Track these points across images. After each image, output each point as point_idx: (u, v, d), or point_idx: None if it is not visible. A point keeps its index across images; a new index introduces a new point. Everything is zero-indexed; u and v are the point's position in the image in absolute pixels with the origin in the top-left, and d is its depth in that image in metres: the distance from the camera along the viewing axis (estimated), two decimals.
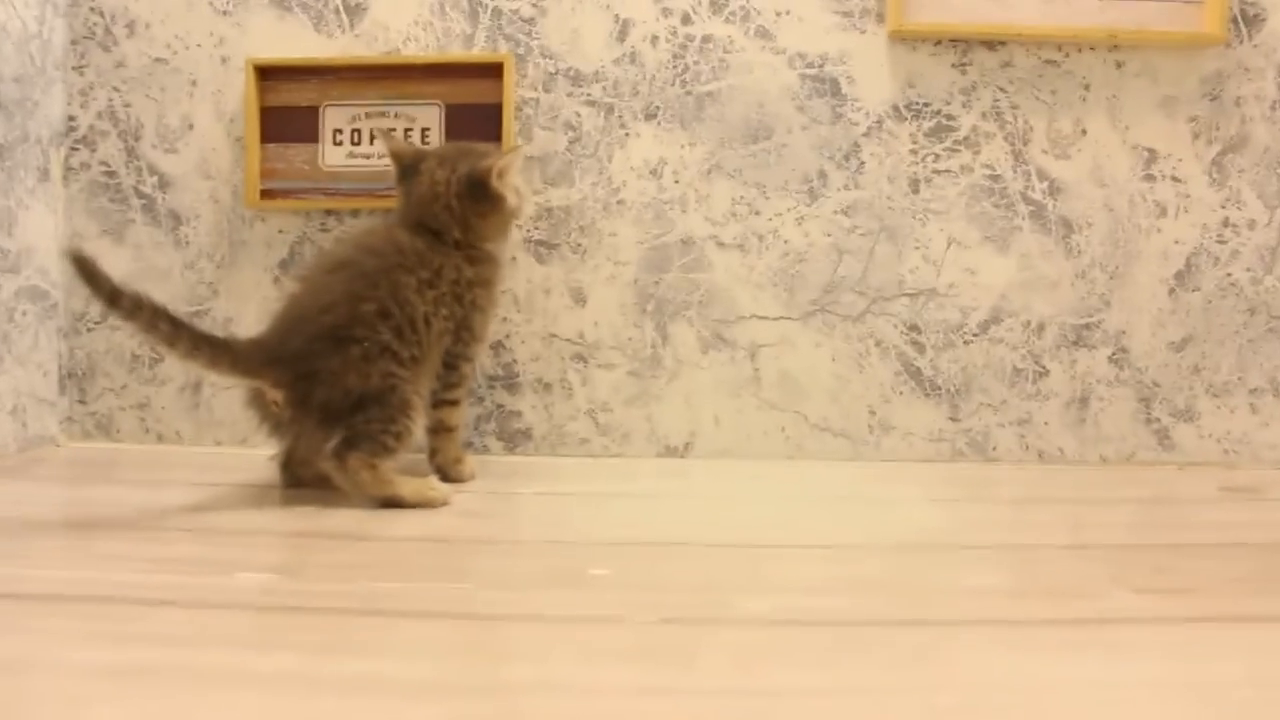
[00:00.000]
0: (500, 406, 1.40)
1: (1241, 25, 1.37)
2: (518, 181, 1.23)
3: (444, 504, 1.09)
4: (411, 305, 1.12)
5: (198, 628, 0.68)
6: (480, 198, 1.19)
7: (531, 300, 1.39)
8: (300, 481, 1.17)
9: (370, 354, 1.08)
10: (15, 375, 1.34)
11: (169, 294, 1.41)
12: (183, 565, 0.83)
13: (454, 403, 1.23)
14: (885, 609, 0.75)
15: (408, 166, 1.22)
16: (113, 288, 1.00)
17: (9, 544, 0.90)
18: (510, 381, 1.40)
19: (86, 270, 0.99)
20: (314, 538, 0.94)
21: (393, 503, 1.06)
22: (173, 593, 0.75)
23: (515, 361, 1.40)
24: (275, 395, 1.08)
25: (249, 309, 1.41)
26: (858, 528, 1.03)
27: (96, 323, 1.43)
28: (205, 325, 1.41)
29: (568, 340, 1.39)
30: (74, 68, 1.42)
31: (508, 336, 1.39)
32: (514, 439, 1.40)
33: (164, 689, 0.57)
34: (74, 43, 1.42)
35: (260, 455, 1.25)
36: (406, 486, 1.08)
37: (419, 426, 1.13)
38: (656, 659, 0.64)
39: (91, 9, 1.42)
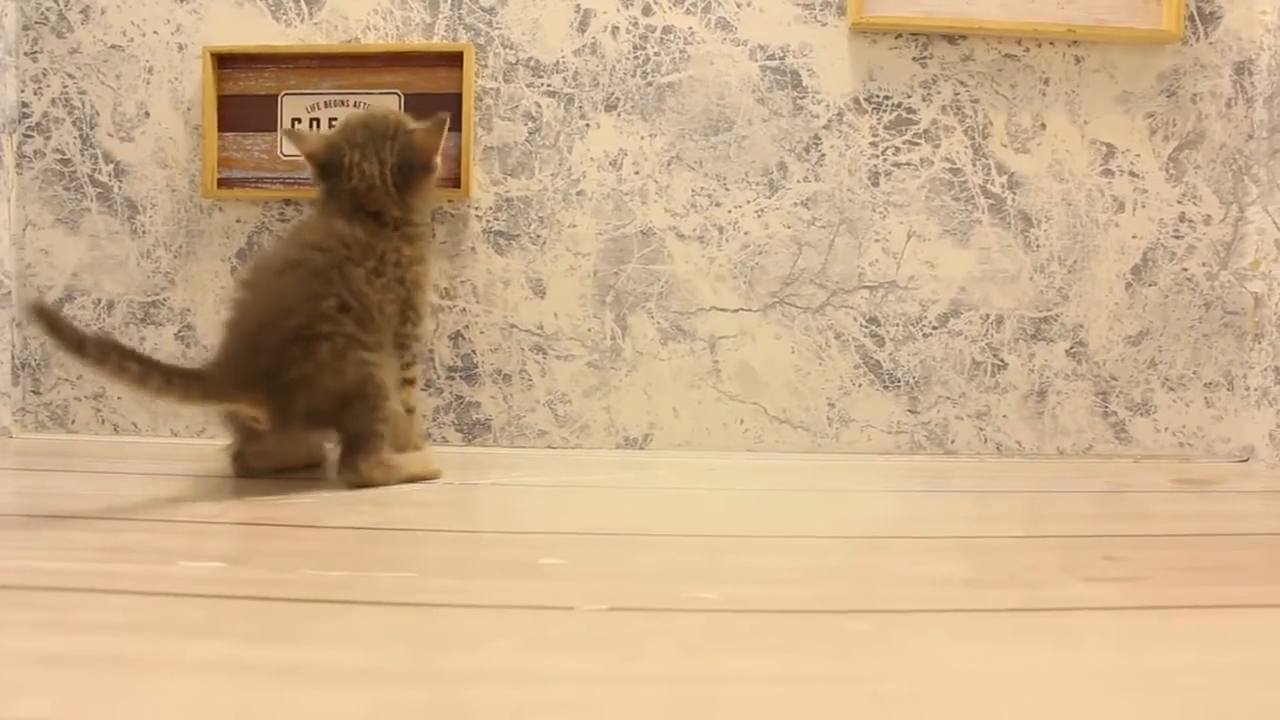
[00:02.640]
0: (459, 398, 1.39)
1: (1198, 23, 1.38)
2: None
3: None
4: (365, 296, 1.12)
5: (138, 616, 0.67)
6: (415, 176, 1.20)
7: (491, 291, 1.39)
8: (253, 472, 1.16)
9: (340, 349, 1.08)
10: None
11: (125, 283, 1.40)
12: (129, 554, 0.82)
13: (411, 381, 1.24)
14: (838, 598, 0.75)
15: (325, 164, 1.20)
16: (79, 336, 0.97)
17: None
18: (469, 373, 1.39)
19: (50, 322, 0.96)
20: (265, 526, 0.93)
21: (408, 481, 1.13)
22: (116, 581, 0.74)
23: (474, 353, 1.39)
24: (254, 414, 1.08)
25: (206, 298, 1.40)
26: (815, 519, 1.03)
27: None
28: (162, 315, 1.40)
29: (527, 331, 1.39)
30: (27, 53, 1.40)
31: (467, 327, 1.39)
32: (473, 430, 1.40)
33: (96, 677, 0.56)
34: (26, 28, 1.40)
35: (216, 445, 1.23)
36: (414, 465, 1.15)
37: (397, 404, 1.16)
38: (603, 647, 0.63)
39: None
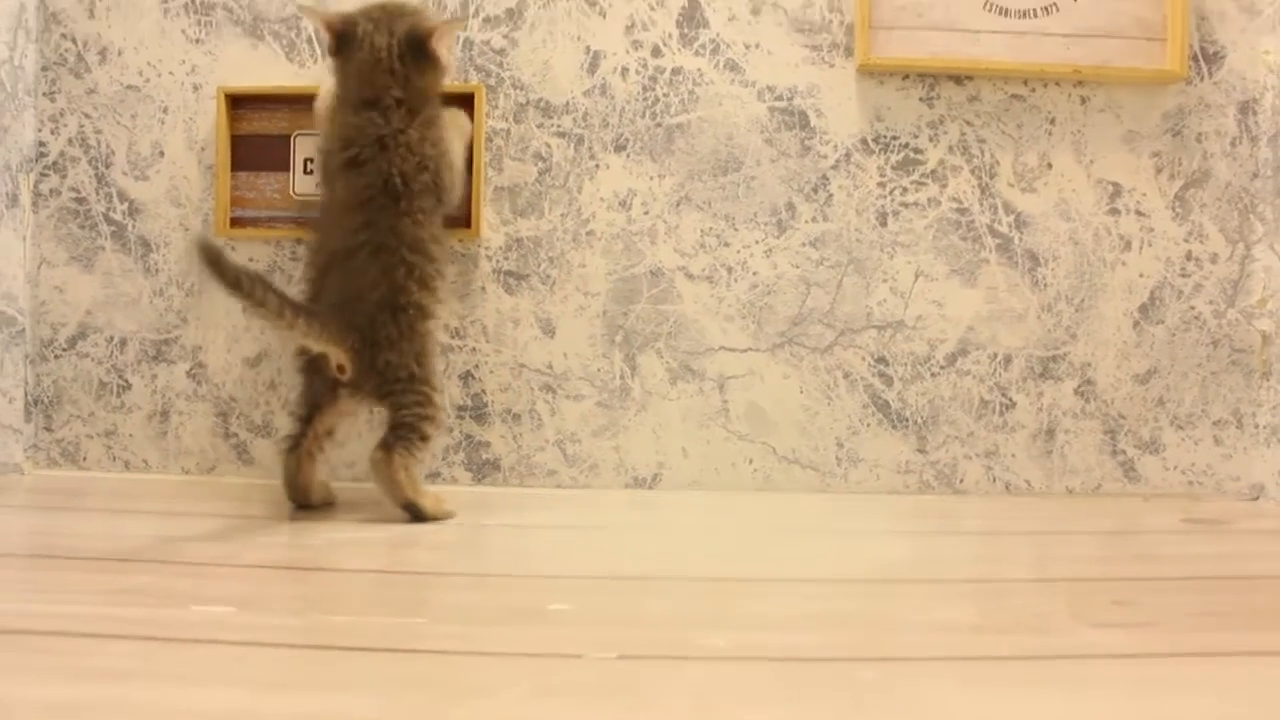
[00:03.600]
0: (469, 437, 1.40)
1: (1202, 63, 1.39)
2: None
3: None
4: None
5: (148, 662, 0.67)
6: (422, 60, 1.21)
7: (500, 331, 1.39)
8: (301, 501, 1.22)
9: (414, 320, 1.18)
10: None
11: (137, 321, 1.41)
12: (140, 597, 0.83)
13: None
14: (848, 645, 0.75)
15: (341, 35, 1.22)
16: (235, 272, 1.08)
17: None
18: (479, 412, 1.40)
19: (211, 258, 1.07)
20: (276, 569, 0.94)
21: (414, 509, 1.15)
22: (126, 626, 0.74)
23: (484, 392, 1.40)
24: (344, 360, 1.16)
25: (218, 336, 1.41)
26: (824, 561, 1.03)
27: (64, 349, 1.42)
28: (174, 352, 1.41)
29: (536, 371, 1.39)
30: (45, 94, 1.42)
31: (476, 367, 1.39)
32: (482, 469, 1.40)
33: None
34: (45, 69, 1.42)
35: (226, 483, 1.24)
36: (428, 499, 1.17)
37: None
38: (612, 696, 0.64)
39: (64, 35, 1.42)
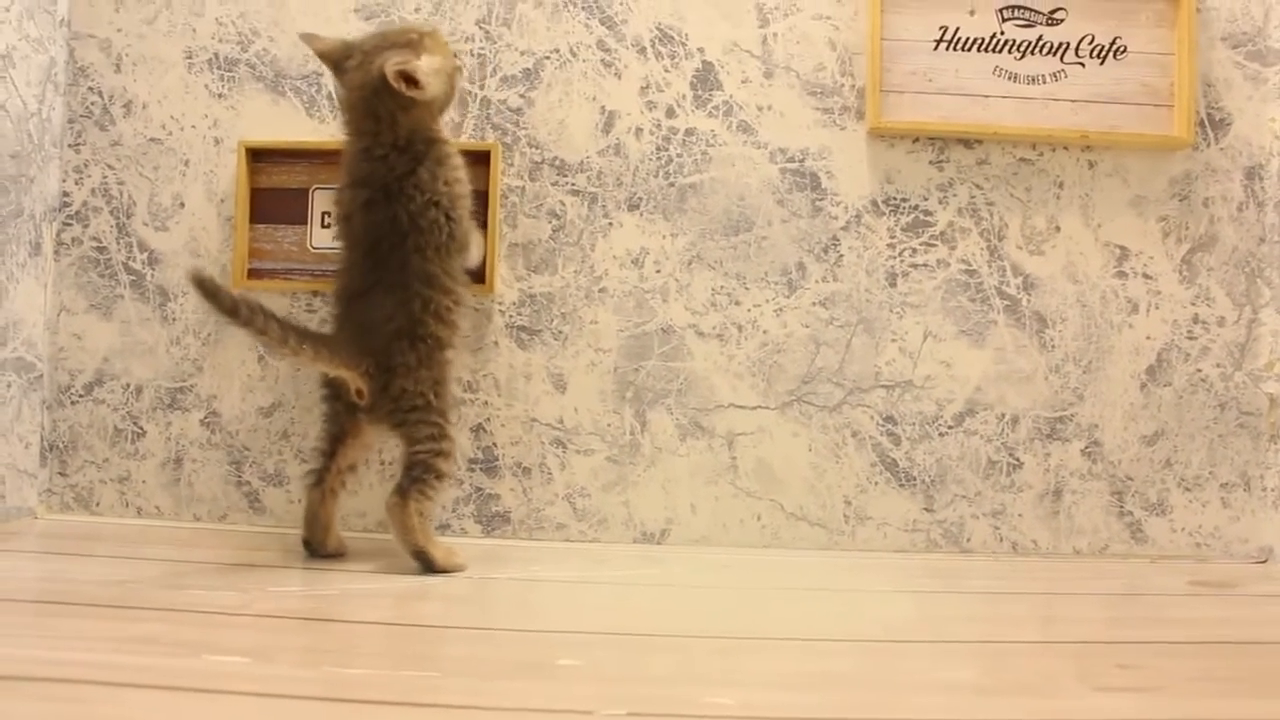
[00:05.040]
0: (479, 489, 1.41)
1: (1209, 129, 1.41)
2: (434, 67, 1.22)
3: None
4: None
5: (162, 712, 0.68)
6: (407, 92, 1.19)
7: (512, 385, 1.41)
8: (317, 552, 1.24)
9: (431, 350, 1.21)
10: None
11: (154, 369, 1.43)
12: (153, 646, 0.83)
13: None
14: (854, 705, 0.76)
15: (336, 63, 1.23)
16: (232, 300, 1.12)
17: None
18: (490, 465, 1.41)
19: (207, 288, 1.11)
20: (286, 619, 0.94)
21: (425, 558, 1.16)
22: (138, 675, 0.75)
23: (495, 445, 1.41)
24: (360, 385, 1.19)
25: (232, 386, 1.43)
26: (830, 620, 1.04)
27: (81, 395, 1.44)
28: (189, 400, 1.42)
29: (547, 425, 1.41)
30: (70, 145, 1.45)
31: (488, 420, 1.41)
32: (492, 522, 1.41)
33: None
34: (71, 121, 1.45)
35: (237, 531, 1.25)
36: (440, 550, 1.18)
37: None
38: None
39: (90, 88, 1.45)
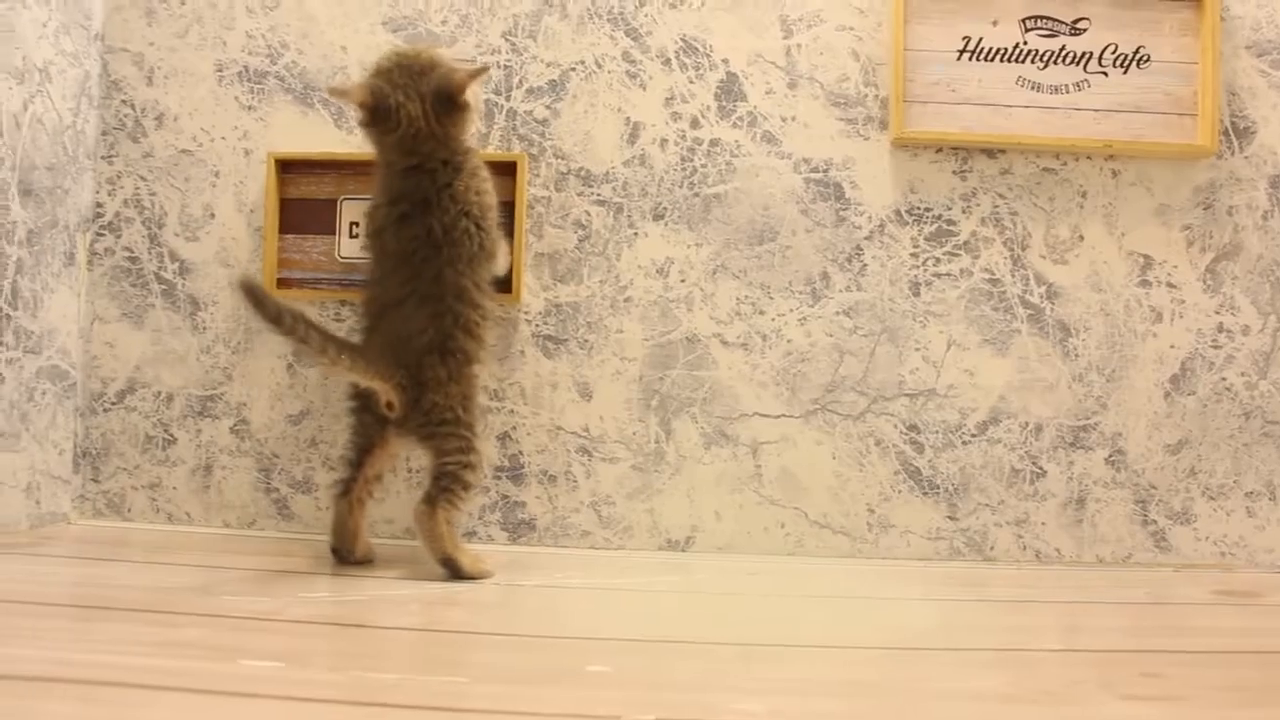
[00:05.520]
0: (505, 497, 1.42)
1: (1233, 137, 1.41)
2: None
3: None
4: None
5: (200, 715, 0.69)
6: (453, 109, 1.22)
7: (539, 394, 1.42)
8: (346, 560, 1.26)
9: (460, 364, 1.22)
10: (32, 453, 1.37)
11: (185, 377, 1.45)
12: (187, 650, 0.85)
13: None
14: (878, 713, 0.76)
15: (375, 110, 1.22)
16: (277, 308, 1.14)
17: (12, 622, 0.92)
18: (516, 473, 1.42)
19: (254, 295, 1.13)
20: (318, 625, 0.96)
21: (452, 565, 1.18)
22: (175, 678, 0.76)
23: (521, 453, 1.42)
24: (393, 397, 1.21)
25: (262, 394, 1.44)
26: (855, 627, 1.04)
27: (113, 403, 1.46)
28: (219, 408, 1.44)
29: (573, 434, 1.42)
30: (104, 157, 1.47)
31: (514, 428, 1.42)
32: (518, 529, 1.42)
33: None
34: (105, 133, 1.47)
35: (266, 537, 1.27)
36: (467, 557, 1.20)
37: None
38: None
39: (124, 101, 1.47)
